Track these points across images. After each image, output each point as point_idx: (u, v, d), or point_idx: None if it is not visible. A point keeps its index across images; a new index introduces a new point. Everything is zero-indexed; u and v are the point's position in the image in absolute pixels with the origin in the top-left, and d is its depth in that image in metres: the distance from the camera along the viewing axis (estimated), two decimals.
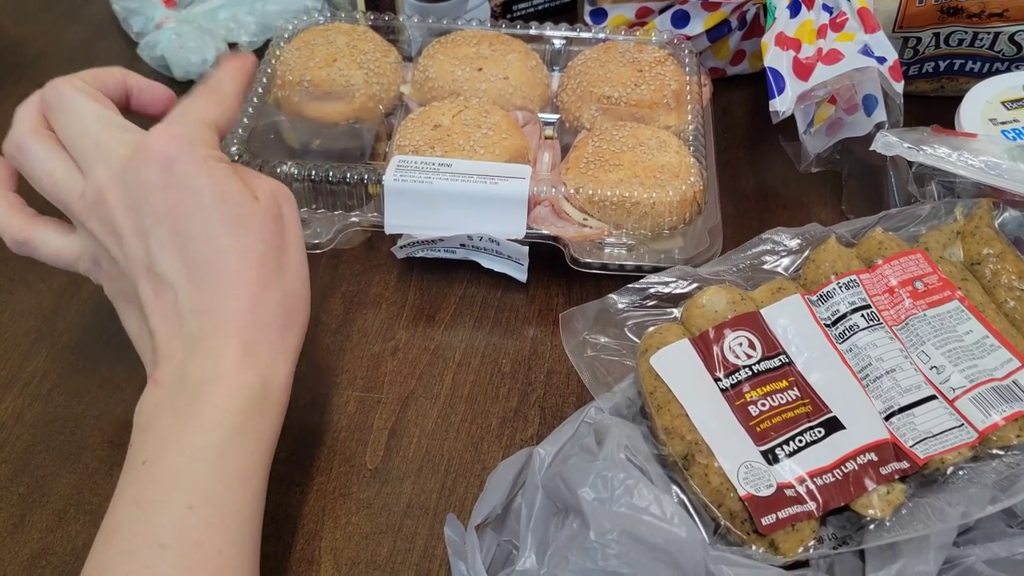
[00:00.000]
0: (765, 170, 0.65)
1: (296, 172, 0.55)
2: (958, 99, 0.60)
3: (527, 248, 0.55)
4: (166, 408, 0.40)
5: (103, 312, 0.56)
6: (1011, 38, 0.64)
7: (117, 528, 0.38)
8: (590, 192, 0.54)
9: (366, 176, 0.55)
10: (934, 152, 0.53)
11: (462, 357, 0.54)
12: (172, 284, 0.41)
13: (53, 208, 0.45)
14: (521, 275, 0.56)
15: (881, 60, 0.56)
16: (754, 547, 0.40)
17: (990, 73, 0.66)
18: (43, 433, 0.50)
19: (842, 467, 0.41)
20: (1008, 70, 0.66)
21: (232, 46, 0.73)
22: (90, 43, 0.77)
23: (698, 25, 0.66)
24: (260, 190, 0.44)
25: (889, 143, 0.54)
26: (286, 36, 0.65)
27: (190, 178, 0.42)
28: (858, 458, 0.42)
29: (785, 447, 0.42)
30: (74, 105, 0.44)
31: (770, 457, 0.42)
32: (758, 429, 0.43)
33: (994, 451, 0.42)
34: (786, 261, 0.51)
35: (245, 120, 0.58)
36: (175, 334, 0.41)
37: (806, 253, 0.50)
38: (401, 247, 0.56)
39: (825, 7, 0.60)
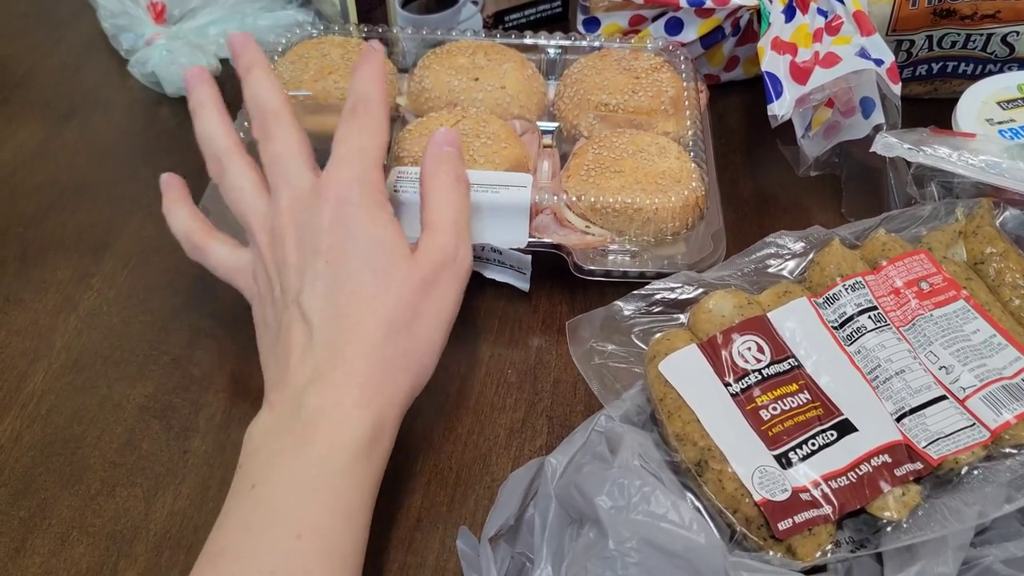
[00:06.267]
0: (764, 175, 0.65)
1: None
2: (951, 101, 0.60)
3: (530, 257, 0.54)
4: (279, 434, 0.41)
5: (100, 330, 0.55)
6: (1003, 39, 0.65)
7: (223, 551, 0.39)
8: (592, 199, 0.54)
9: None
10: (934, 152, 0.53)
11: (467, 369, 0.53)
12: (311, 320, 0.43)
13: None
14: (524, 284, 0.56)
15: (878, 62, 0.56)
16: (771, 552, 0.40)
17: (983, 75, 0.66)
18: (43, 455, 0.49)
19: (856, 470, 0.41)
20: (1001, 71, 0.66)
21: (224, 62, 0.72)
22: (80, 61, 0.76)
23: (692, 32, 0.66)
24: (431, 249, 0.46)
25: (889, 144, 0.54)
26: (279, 50, 0.64)
27: (353, 224, 0.45)
28: (872, 460, 0.41)
29: (798, 451, 0.42)
30: (288, 132, 0.48)
31: (784, 461, 0.42)
32: (770, 433, 0.42)
33: (1007, 450, 0.42)
34: (791, 264, 0.50)
35: (241, 134, 0.58)
36: (304, 362, 0.43)
37: (810, 256, 0.50)
38: None
39: (820, 11, 0.60)
